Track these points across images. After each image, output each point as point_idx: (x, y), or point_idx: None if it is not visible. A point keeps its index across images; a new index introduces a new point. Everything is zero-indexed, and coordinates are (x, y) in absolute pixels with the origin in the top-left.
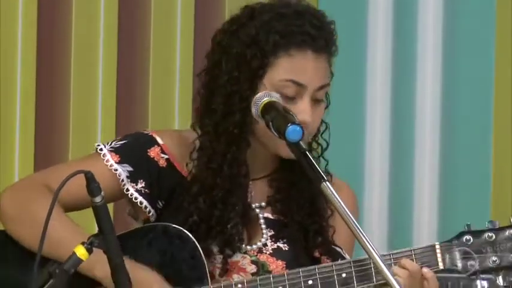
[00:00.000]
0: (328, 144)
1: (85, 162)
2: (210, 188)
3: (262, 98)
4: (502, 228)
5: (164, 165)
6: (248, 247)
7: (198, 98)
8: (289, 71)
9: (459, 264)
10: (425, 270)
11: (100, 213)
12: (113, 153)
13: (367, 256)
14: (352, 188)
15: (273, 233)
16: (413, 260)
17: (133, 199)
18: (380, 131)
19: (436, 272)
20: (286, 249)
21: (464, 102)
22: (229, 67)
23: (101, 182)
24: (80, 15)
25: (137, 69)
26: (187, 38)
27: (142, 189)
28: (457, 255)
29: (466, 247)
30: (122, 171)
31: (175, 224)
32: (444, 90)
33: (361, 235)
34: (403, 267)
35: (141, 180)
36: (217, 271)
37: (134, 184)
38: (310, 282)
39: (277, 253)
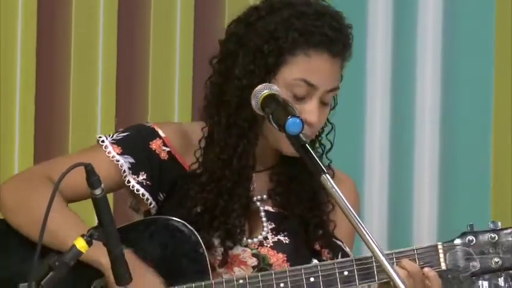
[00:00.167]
0: (332, 145)
1: (86, 153)
2: (218, 178)
3: (262, 90)
4: (505, 229)
5: (166, 158)
6: (249, 240)
7: (208, 84)
8: (303, 71)
9: (461, 265)
10: (426, 269)
11: (100, 206)
12: (115, 145)
13: (368, 252)
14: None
15: (273, 225)
16: (415, 260)
17: (135, 191)
18: (380, 131)
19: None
20: (287, 242)
21: (464, 102)
22: (246, 61)
23: (102, 173)
24: (79, 11)
25: (137, 65)
26: (187, 37)
27: (144, 181)
28: (460, 255)
29: (469, 248)
30: (124, 162)
31: (177, 216)
32: (444, 90)
33: (361, 227)
34: (403, 268)
35: (143, 173)
36: (218, 263)
37: (136, 176)
38: (312, 279)
39: (278, 246)
